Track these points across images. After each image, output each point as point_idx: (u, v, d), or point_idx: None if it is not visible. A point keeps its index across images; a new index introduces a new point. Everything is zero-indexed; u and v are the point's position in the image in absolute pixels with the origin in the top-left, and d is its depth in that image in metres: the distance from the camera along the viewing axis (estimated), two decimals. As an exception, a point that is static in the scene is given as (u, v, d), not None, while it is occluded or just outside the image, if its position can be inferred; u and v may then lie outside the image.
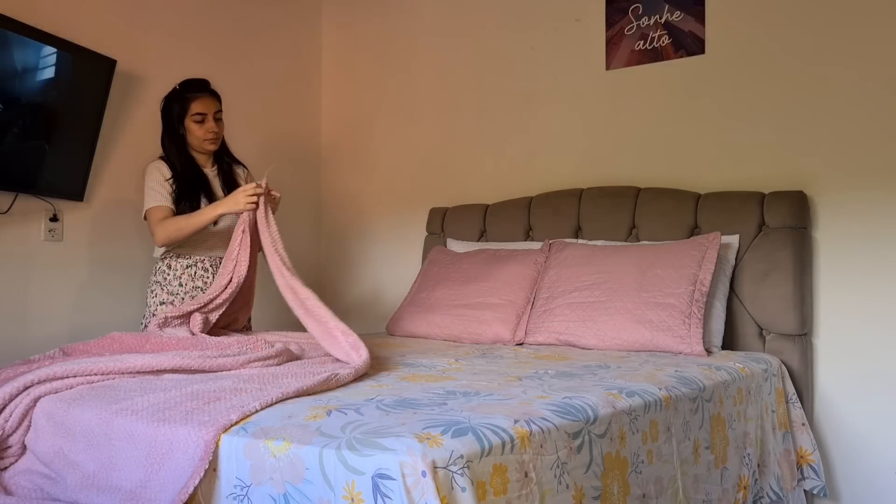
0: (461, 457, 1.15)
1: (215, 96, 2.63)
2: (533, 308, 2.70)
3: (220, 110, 2.65)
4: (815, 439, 2.50)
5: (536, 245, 3.00)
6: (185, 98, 2.58)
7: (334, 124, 3.98)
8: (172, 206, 2.52)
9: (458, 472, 1.13)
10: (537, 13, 3.28)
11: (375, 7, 3.83)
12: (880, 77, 2.50)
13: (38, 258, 2.74)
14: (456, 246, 3.26)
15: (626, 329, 2.42)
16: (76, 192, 2.79)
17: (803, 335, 2.52)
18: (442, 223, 3.40)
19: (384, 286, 3.73)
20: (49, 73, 2.66)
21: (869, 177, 2.51)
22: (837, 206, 2.56)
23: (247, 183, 2.70)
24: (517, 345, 2.64)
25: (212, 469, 1.30)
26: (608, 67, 3.07)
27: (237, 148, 3.42)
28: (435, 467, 1.11)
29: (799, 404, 2.43)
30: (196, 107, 2.58)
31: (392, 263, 3.71)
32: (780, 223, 2.56)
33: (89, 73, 2.78)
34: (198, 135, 2.60)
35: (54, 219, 2.77)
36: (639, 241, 2.84)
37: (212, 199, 2.59)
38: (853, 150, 2.54)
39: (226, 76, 3.50)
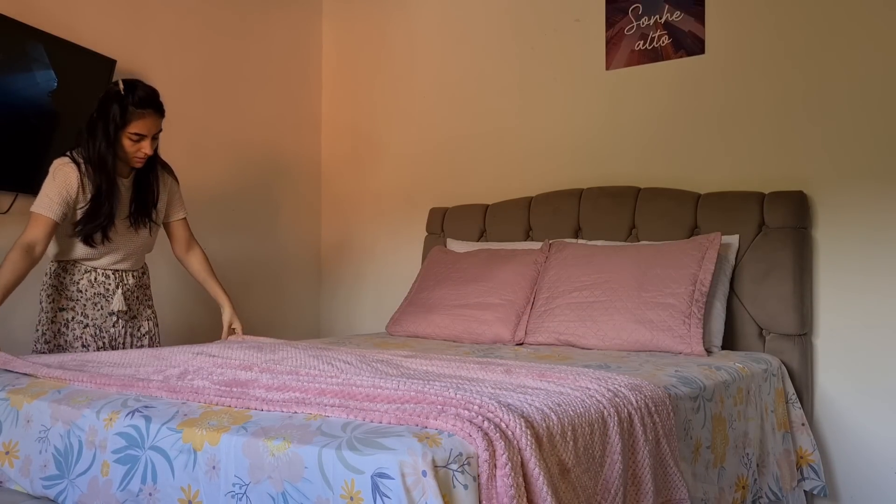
0: (460, 454, 1.15)
1: (161, 114, 2.33)
2: (533, 308, 2.70)
3: (161, 128, 2.35)
4: (815, 439, 2.50)
5: (536, 245, 3.00)
6: (126, 110, 2.26)
7: (334, 124, 3.98)
8: (58, 220, 2.25)
9: (458, 470, 1.13)
10: (537, 13, 3.29)
11: (375, 7, 3.83)
12: (880, 77, 2.50)
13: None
14: (456, 246, 3.26)
15: (627, 329, 2.42)
16: (76, 191, 2.79)
17: (803, 335, 2.52)
18: (442, 223, 3.41)
19: (384, 286, 3.73)
20: (49, 73, 2.66)
21: (869, 177, 2.51)
22: (837, 206, 2.56)
23: (167, 192, 2.51)
24: (517, 345, 2.64)
25: (211, 467, 1.30)
26: (608, 67, 3.07)
27: (237, 147, 3.42)
28: (435, 466, 1.11)
29: (799, 404, 2.43)
30: (136, 126, 2.27)
31: (392, 263, 3.71)
32: (780, 223, 2.56)
33: (89, 73, 2.78)
34: (129, 151, 2.31)
35: (54, 219, 2.76)
36: (639, 241, 2.83)
37: (112, 220, 2.34)
38: (853, 150, 2.54)
39: (225, 76, 3.50)
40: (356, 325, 3.82)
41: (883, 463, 2.46)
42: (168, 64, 3.22)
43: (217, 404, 1.46)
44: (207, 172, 3.39)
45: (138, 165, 2.38)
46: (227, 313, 2.59)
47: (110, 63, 2.85)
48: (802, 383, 2.49)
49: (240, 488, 1.26)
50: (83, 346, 2.38)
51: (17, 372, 1.86)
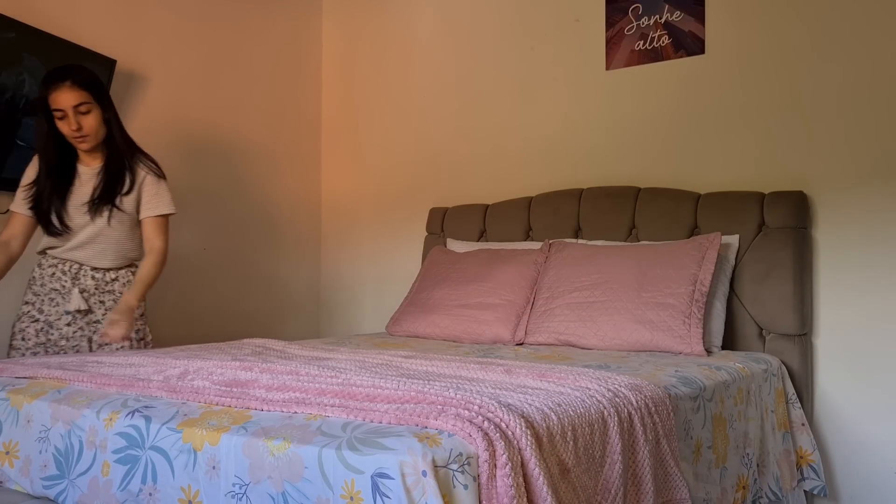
0: (460, 454, 1.15)
1: (78, 85, 2.22)
2: (533, 308, 2.70)
3: (86, 101, 2.24)
4: (815, 439, 2.50)
5: (536, 245, 3.00)
6: (46, 91, 2.22)
7: (334, 124, 3.98)
8: (28, 214, 2.34)
9: (458, 470, 1.13)
10: (537, 13, 3.29)
11: (375, 7, 3.83)
12: (880, 77, 2.50)
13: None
14: (456, 246, 3.26)
15: (626, 329, 2.42)
16: (76, 191, 2.79)
17: (803, 335, 2.52)
18: (442, 223, 3.41)
19: (384, 286, 3.73)
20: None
21: (869, 177, 2.51)
22: (837, 206, 2.56)
23: (143, 184, 2.39)
24: (517, 345, 2.64)
25: (211, 467, 1.30)
26: (608, 67, 3.07)
27: (237, 147, 3.41)
28: (435, 466, 1.11)
29: (799, 404, 2.43)
30: (54, 102, 2.21)
31: (392, 263, 3.71)
32: (780, 223, 2.56)
33: (89, 73, 2.78)
34: (64, 132, 2.27)
35: (54, 219, 2.76)
36: (639, 241, 2.84)
37: (65, 205, 2.34)
38: (853, 150, 2.54)
39: (226, 76, 3.50)
40: (356, 325, 3.82)
41: (883, 463, 2.46)
42: (168, 63, 3.22)
43: (217, 404, 1.46)
44: (207, 172, 3.39)
45: (82, 146, 2.31)
46: (114, 309, 2.29)
47: (110, 63, 2.85)
48: (802, 383, 2.49)
49: (240, 488, 1.26)
50: (23, 339, 2.35)
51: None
